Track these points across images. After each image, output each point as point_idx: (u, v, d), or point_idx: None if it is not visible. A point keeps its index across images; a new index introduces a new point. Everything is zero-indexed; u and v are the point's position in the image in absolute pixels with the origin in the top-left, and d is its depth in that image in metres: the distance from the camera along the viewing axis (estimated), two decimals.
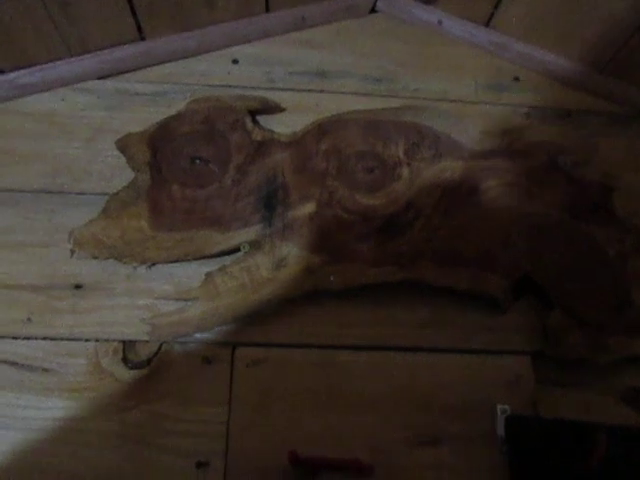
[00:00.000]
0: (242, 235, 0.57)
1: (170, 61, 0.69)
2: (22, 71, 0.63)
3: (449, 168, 0.63)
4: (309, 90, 0.70)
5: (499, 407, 0.52)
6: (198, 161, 0.61)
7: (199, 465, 0.49)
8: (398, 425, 0.52)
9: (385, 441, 0.51)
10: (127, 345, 0.54)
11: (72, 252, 0.56)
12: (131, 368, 0.53)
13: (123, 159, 0.61)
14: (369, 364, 0.55)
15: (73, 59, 0.64)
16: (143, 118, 0.63)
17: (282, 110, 0.68)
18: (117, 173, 0.61)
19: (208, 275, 0.55)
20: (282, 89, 0.69)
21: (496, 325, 0.58)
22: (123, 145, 0.61)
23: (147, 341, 0.54)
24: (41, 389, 0.51)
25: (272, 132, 0.64)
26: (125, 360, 0.53)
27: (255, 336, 0.55)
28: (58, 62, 0.64)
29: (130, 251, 0.56)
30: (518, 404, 0.53)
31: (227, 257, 0.57)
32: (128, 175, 0.60)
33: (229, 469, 0.49)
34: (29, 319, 0.54)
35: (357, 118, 0.65)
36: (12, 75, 0.63)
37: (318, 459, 0.49)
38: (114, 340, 0.54)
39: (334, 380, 0.54)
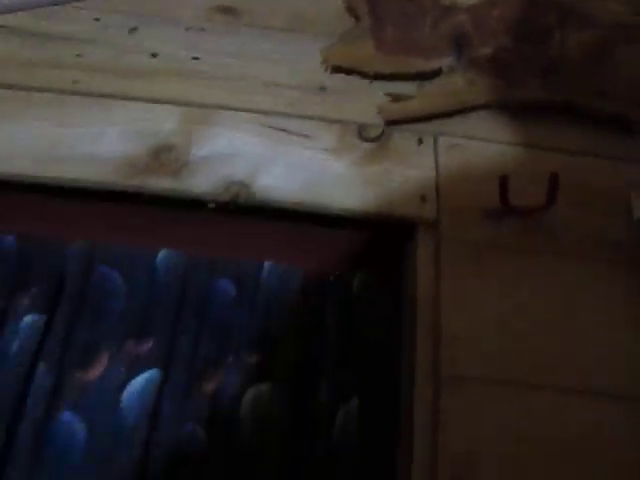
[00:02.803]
0: (440, 62, 0.79)
1: None
2: None
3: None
4: None
5: None
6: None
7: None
8: None
9: None
10: (361, 126, 0.75)
11: (324, 63, 0.78)
12: (365, 141, 0.74)
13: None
14: None
15: None
16: None
17: None
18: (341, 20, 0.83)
19: (420, 84, 0.77)
20: None
21: None
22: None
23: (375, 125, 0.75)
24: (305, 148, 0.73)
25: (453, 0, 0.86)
26: (360, 136, 0.74)
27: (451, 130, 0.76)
28: None
29: (364, 66, 0.77)
30: None
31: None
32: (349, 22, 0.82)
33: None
34: (286, 103, 0.75)
35: None
36: None
37: None
38: (353, 122, 0.75)
39: None
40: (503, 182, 0.64)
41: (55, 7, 0.80)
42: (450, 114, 0.76)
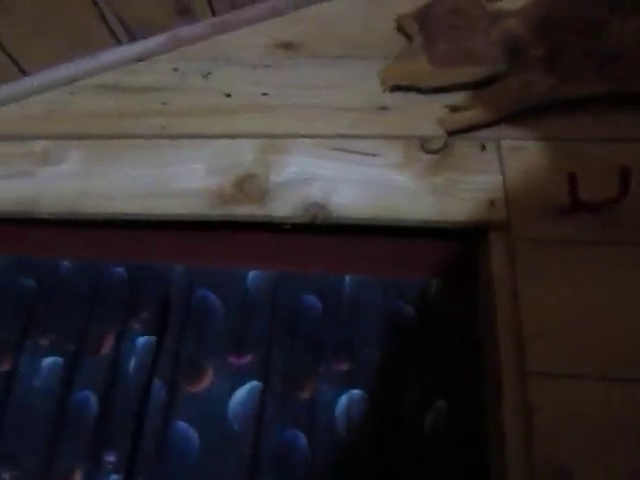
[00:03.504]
0: (494, 68, 0.81)
1: None
2: None
3: None
4: None
5: None
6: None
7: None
8: None
9: None
10: (424, 140, 0.78)
11: (382, 83, 0.82)
12: (428, 153, 0.78)
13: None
14: None
15: None
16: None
17: None
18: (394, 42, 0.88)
19: (477, 93, 0.80)
20: None
21: None
22: (399, 21, 0.88)
23: (437, 137, 0.78)
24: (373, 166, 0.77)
25: (500, 7, 0.88)
26: (424, 149, 0.78)
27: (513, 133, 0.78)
28: None
29: (421, 82, 0.81)
30: None
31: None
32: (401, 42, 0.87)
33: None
34: (351, 125, 0.80)
35: None
36: None
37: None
38: (416, 137, 0.79)
39: None
40: (572, 179, 0.65)
41: (139, 62, 0.90)
42: (510, 118, 0.78)
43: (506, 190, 0.73)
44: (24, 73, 0.90)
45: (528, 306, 0.65)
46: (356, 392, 0.67)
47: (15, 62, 0.87)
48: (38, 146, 0.85)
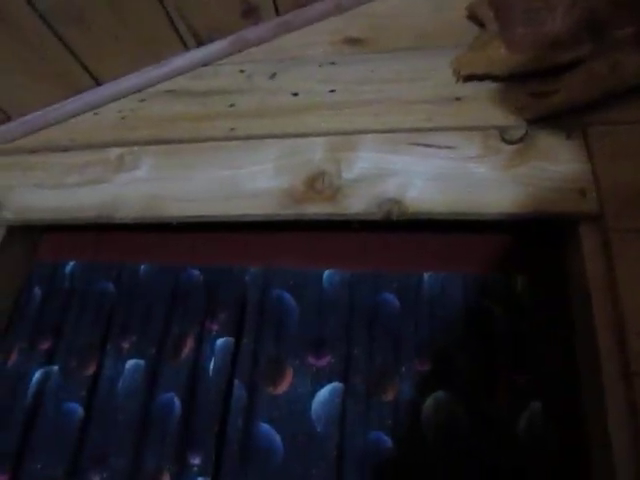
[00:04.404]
0: (578, 51, 0.76)
1: None
2: None
3: None
4: None
5: None
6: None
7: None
8: None
9: None
10: (503, 129, 0.75)
11: (456, 74, 0.79)
12: (509, 144, 0.74)
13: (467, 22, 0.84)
14: None
15: None
16: None
17: None
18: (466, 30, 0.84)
19: (559, 77, 0.75)
20: None
21: None
22: (472, 8, 0.84)
23: (517, 126, 0.74)
24: (450, 159, 0.74)
25: None
26: (504, 139, 0.74)
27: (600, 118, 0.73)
28: None
29: (497, 69, 0.78)
30: None
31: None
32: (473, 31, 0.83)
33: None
34: (425, 118, 0.78)
35: None
36: None
37: None
38: (494, 127, 0.75)
39: None
40: None
41: (206, 66, 0.91)
42: (596, 102, 0.73)
43: (596, 179, 0.68)
44: (97, 82, 0.92)
45: (628, 302, 0.60)
46: (441, 393, 0.64)
47: (89, 72, 0.90)
48: (113, 153, 0.87)
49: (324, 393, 0.65)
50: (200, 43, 0.90)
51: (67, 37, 0.83)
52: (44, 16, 0.78)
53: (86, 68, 0.89)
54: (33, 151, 0.93)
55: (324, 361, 0.67)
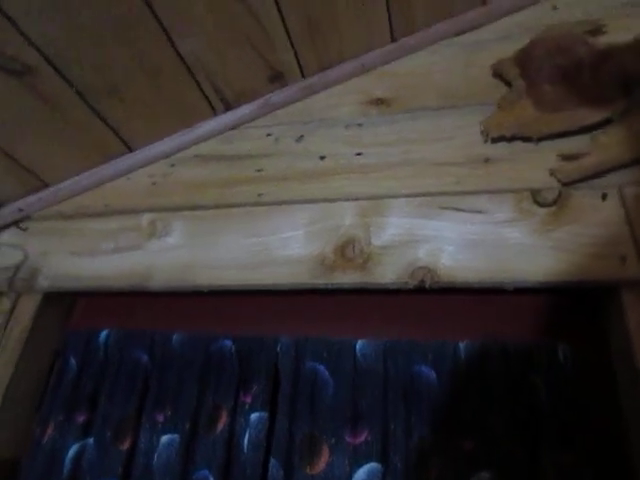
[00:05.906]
0: (610, 108, 0.75)
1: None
2: None
3: None
4: None
5: None
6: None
7: None
8: None
9: None
10: (535, 192, 0.73)
11: (484, 136, 0.79)
12: (542, 207, 0.72)
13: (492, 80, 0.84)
14: None
15: None
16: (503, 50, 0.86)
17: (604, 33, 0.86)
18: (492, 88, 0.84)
19: (593, 135, 0.74)
20: None
21: None
22: (497, 67, 0.84)
23: (549, 188, 0.73)
24: (481, 223, 0.73)
25: (608, 41, 0.82)
26: (536, 202, 0.73)
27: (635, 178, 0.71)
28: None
29: (527, 129, 0.77)
30: None
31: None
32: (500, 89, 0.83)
33: None
34: (453, 182, 0.77)
35: None
36: None
37: None
38: (525, 189, 0.74)
39: None
40: None
41: (233, 130, 0.93)
42: (633, 162, 0.71)
43: (637, 243, 0.66)
44: (130, 149, 0.95)
45: None
46: (486, 474, 0.61)
47: (122, 140, 0.92)
48: (145, 219, 0.89)
49: (361, 475, 0.64)
50: (228, 107, 0.92)
51: (102, 109, 0.85)
52: (80, 92, 0.81)
53: (119, 136, 0.91)
54: (69, 217, 0.95)
55: (361, 438, 0.66)
